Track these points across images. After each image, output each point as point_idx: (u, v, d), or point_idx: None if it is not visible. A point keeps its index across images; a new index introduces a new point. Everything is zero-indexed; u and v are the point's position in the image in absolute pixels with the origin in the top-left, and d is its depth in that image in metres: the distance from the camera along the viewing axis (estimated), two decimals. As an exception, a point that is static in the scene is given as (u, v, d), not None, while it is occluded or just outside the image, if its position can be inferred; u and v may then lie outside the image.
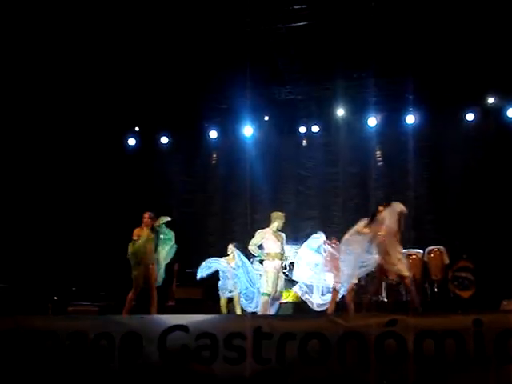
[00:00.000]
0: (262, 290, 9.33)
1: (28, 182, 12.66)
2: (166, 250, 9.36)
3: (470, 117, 13.35)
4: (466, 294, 11.66)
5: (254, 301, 9.97)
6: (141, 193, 14.08)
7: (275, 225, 9.52)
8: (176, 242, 9.61)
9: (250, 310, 9.99)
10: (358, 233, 8.51)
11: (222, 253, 11.06)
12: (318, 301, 9.37)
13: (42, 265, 12.57)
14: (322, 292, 9.48)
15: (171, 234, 9.44)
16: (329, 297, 9.29)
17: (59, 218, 13.32)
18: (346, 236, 8.60)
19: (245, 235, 12.27)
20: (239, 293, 10.24)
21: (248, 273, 10.27)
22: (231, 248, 10.71)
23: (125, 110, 14.01)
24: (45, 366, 5.66)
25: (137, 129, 14.76)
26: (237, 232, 13.45)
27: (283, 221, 9.61)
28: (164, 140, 14.86)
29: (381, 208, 8.65)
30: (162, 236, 9.37)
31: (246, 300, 10.14)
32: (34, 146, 12.77)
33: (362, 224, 8.58)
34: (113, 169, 14.10)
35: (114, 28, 11.13)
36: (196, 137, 14.80)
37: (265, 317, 5.61)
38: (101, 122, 13.76)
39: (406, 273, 8.31)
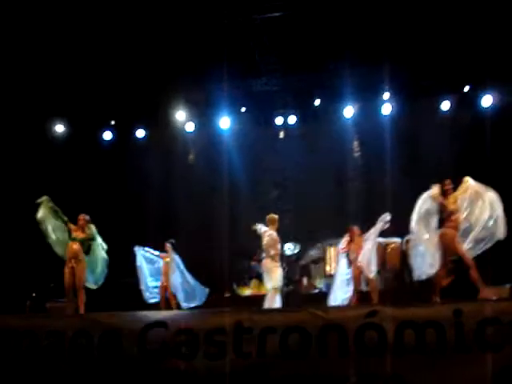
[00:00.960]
0: (272, 285, 9.45)
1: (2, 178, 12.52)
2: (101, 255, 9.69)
3: (445, 106, 13.41)
4: (444, 282, 11.75)
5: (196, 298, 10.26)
6: (116, 187, 13.98)
7: (275, 227, 9.60)
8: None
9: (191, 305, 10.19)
10: None
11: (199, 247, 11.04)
12: (342, 296, 9.52)
13: (19, 261, 12.43)
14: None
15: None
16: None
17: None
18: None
19: (223, 228, 12.29)
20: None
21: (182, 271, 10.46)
22: (168, 246, 10.78)
23: (100, 104, 13.86)
24: (22, 365, 5.58)
25: (112, 122, 14.60)
26: (216, 225, 13.37)
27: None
28: (140, 133, 14.73)
29: None
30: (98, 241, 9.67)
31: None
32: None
33: None
34: (88, 163, 13.97)
35: (88, 20, 11.00)
36: (172, 130, 14.68)
37: (245, 311, 5.57)
38: (74, 116, 13.62)
39: None
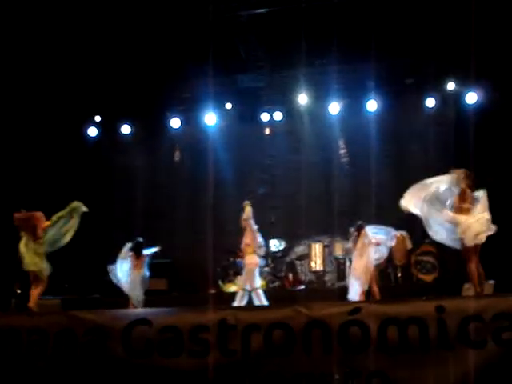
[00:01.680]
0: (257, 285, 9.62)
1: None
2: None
3: (430, 103, 13.47)
4: (428, 278, 11.86)
5: None
6: (100, 184, 13.93)
7: None
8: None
9: None
10: None
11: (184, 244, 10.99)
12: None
13: (4, 257, 12.34)
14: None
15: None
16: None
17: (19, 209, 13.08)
18: None
19: (209, 224, 12.26)
20: None
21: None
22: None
23: (85, 99, 13.78)
24: (6, 363, 5.55)
25: (97, 118, 14.51)
26: (201, 222, 13.33)
27: None
28: (125, 129, 14.65)
29: None
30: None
31: None
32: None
33: None
34: (72, 159, 13.90)
35: (74, 14, 10.93)
36: (158, 126, 14.63)
37: (229, 308, 5.57)
38: (59, 111, 13.52)
39: None
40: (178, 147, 14.74)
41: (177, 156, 14.76)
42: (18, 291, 11.96)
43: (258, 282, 9.98)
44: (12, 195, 12.93)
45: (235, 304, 9.36)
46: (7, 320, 5.90)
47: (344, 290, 10.57)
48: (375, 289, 9.68)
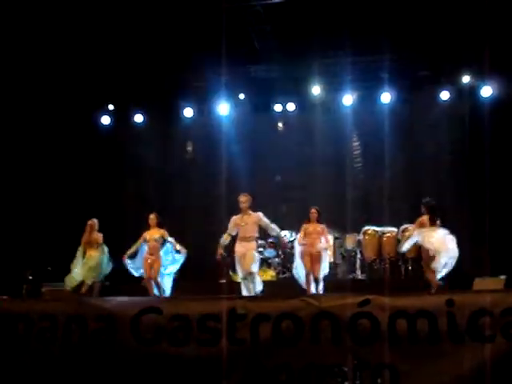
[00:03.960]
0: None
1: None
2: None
3: (444, 96, 13.38)
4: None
5: None
6: (113, 172, 13.98)
7: None
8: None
9: None
10: None
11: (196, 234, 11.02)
12: None
13: (17, 244, 12.45)
14: None
15: None
16: None
17: (33, 198, 13.17)
18: None
19: (221, 215, 12.27)
20: None
21: None
22: None
23: (98, 88, 13.81)
24: (17, 349, 5.60)
25: (111, 107, 14.54)
26: (214, 212, 13.34)
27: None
28: (138, 118, 14.68)
29: None
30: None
31: None
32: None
33: None
34: (85, 148, 13.95)
35: (87, 3, 10.93)
36: (171, 115, 14.64)
37: (239, 298, 5.59)
38: (72, 100, 13.57)
39: None
40: (191, 137, 14.76)
41: (189, 145, 14.78)
42: (30, 277, 12.06)
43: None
44: (25, 184, 13.03)
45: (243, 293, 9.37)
46: (19, 305, 5.95)
47: (354, 282, 10.58)
48: None
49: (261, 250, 12.84)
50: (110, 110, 14.57)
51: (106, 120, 14.59)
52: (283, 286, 11.45)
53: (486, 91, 12.79)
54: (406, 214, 12.26)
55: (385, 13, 10.95)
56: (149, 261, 10.29)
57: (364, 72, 13.39)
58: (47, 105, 13.28)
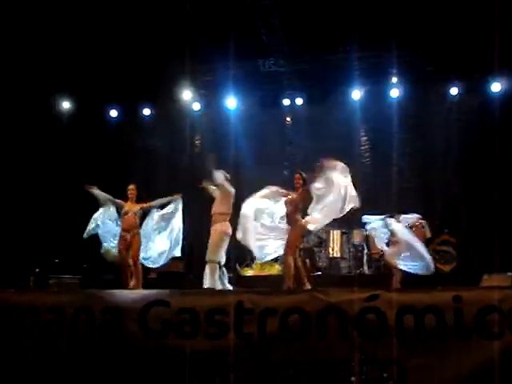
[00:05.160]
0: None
1: (5, 156, 12.53)
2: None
3: (453, 91, 13.33)
4: (447, 268, 11.78)
5: None
6: (121, 166, 14.00)
7: None
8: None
9: None
10: None
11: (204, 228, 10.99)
12: None
13: (23, 237, 12.49)
14: None
15: None
16: None
17: (40, 190, 13.21)
18: None
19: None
20: None
21: None
22: None
23: (106, 81, 13.82)
24: (24, 341, 5.61)
25: (118, 101, 14.57)
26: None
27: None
28: (146, 112, 14.69)
29: None
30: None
31: None
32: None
33: None
34: (93, 141, 13.98)
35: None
36: (179, 109, 14.64)
37: (246, 292, 5.57)
38: (80, 93, 13.59)
39: None
40: (199, 130, 14.75)
41: (197, 139, 14.78)
42: (37, 270, 12.11)
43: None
44: (33, 177, 13.06)
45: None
46: (26, 297, 5.95)
47: (361, 277, 10.57)
48: None
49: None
50: (118, 104, 14.59)
51: (113, 113, 14.61)
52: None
53: (496, 87, 12.74)
54: (414, 210, 12.23)
55: (394, 8, 10.90)
56: (126, 238, 9.42)
57: (372, 67, 13.37)
58: (56, 99, 13.31)
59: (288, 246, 8.53)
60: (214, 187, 9.37)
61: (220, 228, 8.96)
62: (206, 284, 8.60)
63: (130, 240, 9.34)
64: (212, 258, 8.77)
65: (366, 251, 12.51)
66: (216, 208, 9.15)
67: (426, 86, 13.55)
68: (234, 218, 9.18)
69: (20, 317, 5.63)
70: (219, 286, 8.56)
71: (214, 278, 8.57)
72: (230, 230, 8.98)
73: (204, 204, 13.99)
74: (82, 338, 5.47)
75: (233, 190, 9.18)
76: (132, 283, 9.29)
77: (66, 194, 13.50)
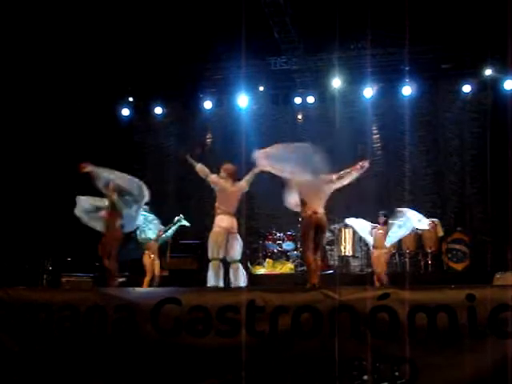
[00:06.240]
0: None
1: (19, 153, 12.58)
2: None
3: (466, 88, 13.26)
4: (459, 267, 11.74)
5: None
6: (132, 164, 14.04)
7: None
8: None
9: None
10: None
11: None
12: None
13: (37, 235, 12.55)
14: None
15: None
16: None
17: (54, 189, 13.26)
18: None
19: (239, 207, 12.26)
20: None
21: None
22: None
23: (118, 79, 13.87)
24: (38, 338, 5.65)
25: (130, 99, 14.60)
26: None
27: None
28: (158, 110, 14.72)
29: None
30: None
31: None
32: (21, 120, 12.64)
33: None
34: (105, 139, 14.02)
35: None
36: (191, 107, 14.66)
37: (258, 290, 5.57)
38: (92, 91, 13.63)
39: None
40: (210, 129, 14.76)
41: (208, 137, 14.78)
42: (50, 268, 12.17)
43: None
44: (46, 175, 13.11)
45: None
46: (39, 295, 5.98)
47: (373, 276, 10.54)
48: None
49: (279, 242, 12.85)
50: (130, 102, 14.63)
51: (125, 112, 14.65)
52: (302, 279, 11.42)
53: (509, 84, 12.65)
54: (427, 208, 12.21)
55: (406, 5, 10.83)
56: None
57: (385, 64, 13.32)
58: (68, 98, 13.35)
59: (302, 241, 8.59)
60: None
61: (215, 223, 8.83)
62: (210, 282, 8.48)
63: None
64: (211, 256, 8.66)
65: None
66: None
67: (438, 84, 13.50)
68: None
69: (34, 314, 5.66)
70: (221, 284, 8.48)
71: (216, 277, 8.46)
72: (223, 224, 8.69)
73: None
74: (95, 336, 5.50)
75: (224, 186, 9.03)
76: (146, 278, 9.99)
77: (78, 192, 13.53)
